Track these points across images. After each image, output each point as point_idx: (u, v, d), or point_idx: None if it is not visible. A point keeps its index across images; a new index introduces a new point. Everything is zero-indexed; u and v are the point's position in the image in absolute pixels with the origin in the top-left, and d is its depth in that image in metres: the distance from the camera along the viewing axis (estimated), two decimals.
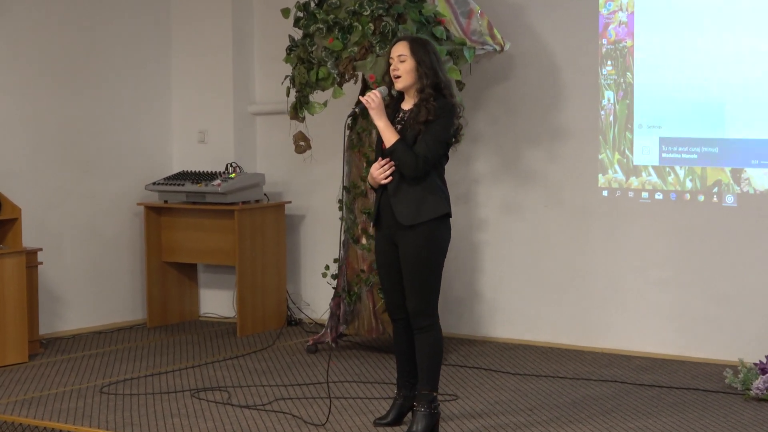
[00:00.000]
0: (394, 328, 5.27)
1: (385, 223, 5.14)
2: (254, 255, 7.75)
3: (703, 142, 6.72)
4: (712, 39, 6.66)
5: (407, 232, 5.05)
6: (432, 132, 4.97)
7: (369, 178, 5.16)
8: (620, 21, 6.93)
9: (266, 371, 6.63)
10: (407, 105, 5.13)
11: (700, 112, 6.71)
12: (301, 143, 7.16)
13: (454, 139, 5.11)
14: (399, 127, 5.09)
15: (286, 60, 7.02)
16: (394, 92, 5.17)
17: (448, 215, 5.07)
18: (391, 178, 5.07)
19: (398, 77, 5.07)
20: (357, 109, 5.26)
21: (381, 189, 5.15)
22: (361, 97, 5.18)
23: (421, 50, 5.03)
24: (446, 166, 5.18)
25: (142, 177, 8.20)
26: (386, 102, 5.21)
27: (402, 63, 5.04)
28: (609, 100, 7.00)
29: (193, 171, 8.07)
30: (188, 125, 8.41)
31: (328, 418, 5.52)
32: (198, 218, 7.91)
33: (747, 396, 5.90)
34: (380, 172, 5.08)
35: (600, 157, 7.05)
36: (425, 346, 5.10)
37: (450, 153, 5.17)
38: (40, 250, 7.27)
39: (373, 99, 5.06)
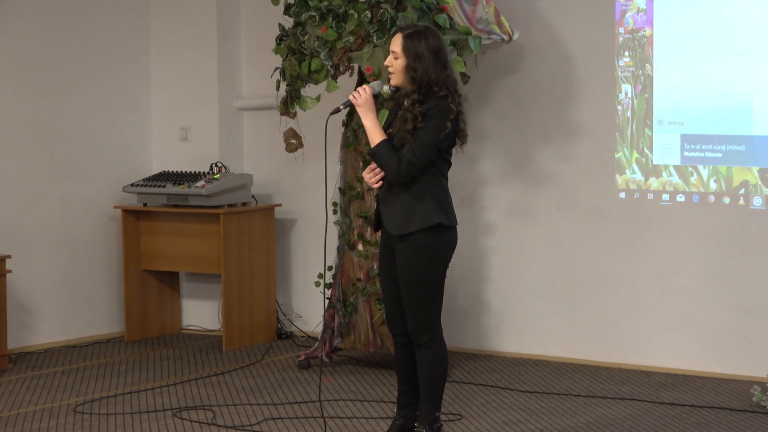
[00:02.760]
0: (394, 343, 5.27)
1: (386, 231, 5.16)
2: (241, 262, 7.76)
3: (729, 139, 6.73)
4: (739, 27, 6.66)
5: (400, 243, 5.06)
6: (419, 135, 4.95)
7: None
8: (638, 8, 6.94)
9: (254, 389, 6.64)
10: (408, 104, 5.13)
11: (726, 107, 6.72)
12: (292, 141, 7.17)
13: (457, 141, 5.09)
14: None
15: (276, 51, 7.02)
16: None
17: (442, 225, 5.03)
18: (381, 182, 5.09)
19: (391, 74, 5.07)
20: (342, 106, 5.26)
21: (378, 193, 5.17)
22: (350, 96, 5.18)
23: (416, 48, 4.97)
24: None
25: (119, 178, 8.20)
26: (390, 94, 5.21)
27: (395, 60, 5.04)
28: (626, 94, 7.01)
29: (174, 171, 8.08)
30: (169, 122, 8.41)
31: None
32: (180, 222, 7.92)
33: None
34: (371, 176, 5.10)
35: (617, 156, 7.06)
36: (426, 362, 5.10)
37: (453, 154, 5.16)
38: (9, 257, 7.27)
39: (360, 95, 5.07)
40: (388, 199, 5.07)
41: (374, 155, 5.03)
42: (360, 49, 6.61)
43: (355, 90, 5.13)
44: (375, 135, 5.04)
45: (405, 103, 5.09)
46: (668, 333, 6.95)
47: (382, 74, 6.37)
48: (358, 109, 5.08)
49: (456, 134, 5.04)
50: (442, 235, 5.04)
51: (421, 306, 5.06)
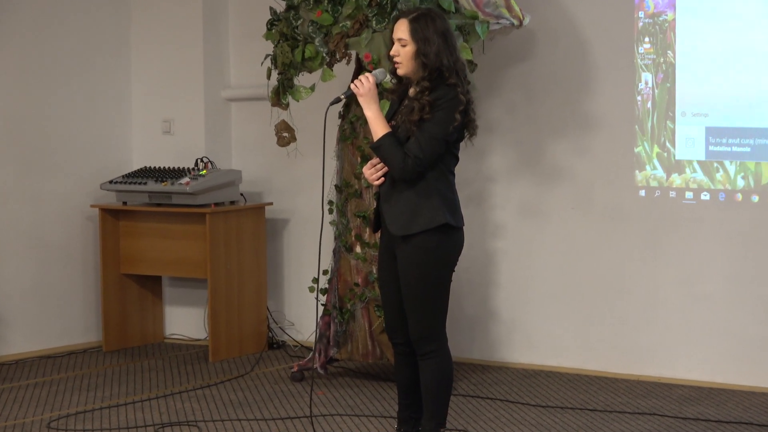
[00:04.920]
0: (394, 353, 5.30)
1: (386, 232, 5.18)
2: (229, 266, 7.78)
3: (758, 132, 6.74)
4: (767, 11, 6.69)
5: (402, 244, 5.07)
6: (426, 128, 4.97)
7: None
8: None
9: (243, 403, 6.66)
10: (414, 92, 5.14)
11: (754, 97, 6.74)
12: (285, 134, 7.19)
13: (466, 133, 5.11)
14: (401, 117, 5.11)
15: (267, 36, 7.05)
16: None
17: (449, 225, 5.05)
18: (383, 179, 5.10)
19: (398, 63, 5.07)
20: (343, 96, 5.27)
21: (378, 191, 5.18)
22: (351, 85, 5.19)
23: (424, 32, 5.01)
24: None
25: (96, 174, 8.22)
26: (392, 86, 5.22)
27: (403, 47, 5.05)
28: (647, 83, 7.03)
29: (156, 167, 8.10)
30: (151, 114, 8.43)
31: None
32: (163, 223, 7.94)
33: None
34: (371, 172, 5.11)
35: (636, 150, 7.08)
36: (430, 374, 5.12)
37: (460, 148, 5.18)
38: None
39: (363, 84, 5.07)
40: (391, 197, 5.08)
41: (377, 149, 5.03)
42: (358, 35, 6.63)
43: (357, 78, 5.13)
44: (378, 127, 5.04)
45: (411, 91, 5.10)
46: (692, 342, 6.97)
47: (382, 62, 6.39)
48: (360, 99, 5.08)
49: (465, 126, 5.07)
50: (448, 236, 5.06)
51: (425, 313, 5.08)
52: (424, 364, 5.13)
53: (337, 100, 5.27)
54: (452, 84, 5.01)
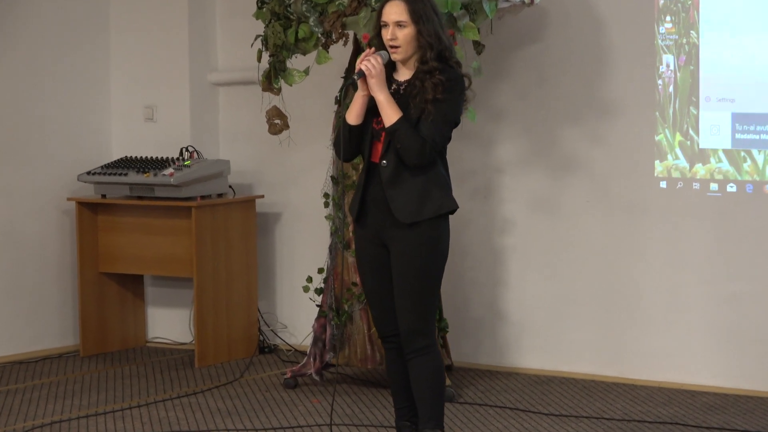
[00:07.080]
0: (386, 349, 5.34)
1: (372, 220, 5.21)
2: (217, 264, 7.79)
3: None
4: None
5: (403, 232, 5.11)
6: (440, 111, 5.05)
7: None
8: None
9: (232, 411, 6.67)
10: (402, 75, 5.20)
11: None
12: (277, 121, 7.19)
13: None
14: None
15: (257, 16, 7.05)
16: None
17: (452, 211, 5.17)
18: (368, 68, 5.07)
19: (397, 47, 5.11)
20: (356, 76, 5.27)
21: (366, 177, 5.19)
22: (359, 63, 5.18)
23: (421, 12, 5.09)
24: (456, 151, 5.23)
25: (73, 165, 8.22)
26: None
27: (401, 29, 5.10)
28: (668, 66, 7.03)
29: (138, 157, 8.11)
30: (132, 99, 8.44)
31: None
32: (145, 217, 7.95)
33: None
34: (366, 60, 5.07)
35: (657, 138, 7.09)
36: (425, 372, 5.15)
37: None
38: None
39: (374, 66, 5.08)
40: (398, 181, 5.11)
41: (394, 133, 5.06)
42: (356, 14, 6.63)
43: (363, 58, 5.11)
44: (391, 111, 5.07)
45: (401, 75, 5.16)
46: (716, 346, 6.97)
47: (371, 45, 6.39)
48: (371, 82, 5.09)
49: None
50: (447, 223, 5.18)
51: (423, 305, 5.14)
52: (417, 361, 5.16)
53: (353, 82, 5.27)
54: (455, 64, 5.14)
